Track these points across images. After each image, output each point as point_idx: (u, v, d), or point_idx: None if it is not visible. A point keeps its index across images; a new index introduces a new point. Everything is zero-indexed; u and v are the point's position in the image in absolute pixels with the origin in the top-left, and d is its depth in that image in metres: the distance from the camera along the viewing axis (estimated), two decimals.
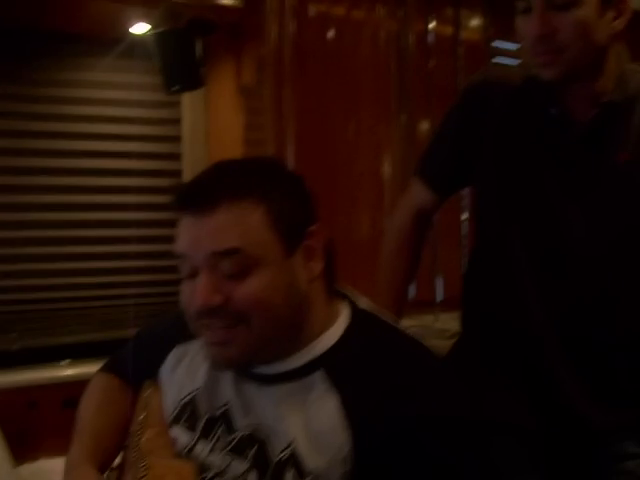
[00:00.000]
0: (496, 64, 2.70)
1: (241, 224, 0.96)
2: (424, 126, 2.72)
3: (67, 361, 2.38)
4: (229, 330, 0.97)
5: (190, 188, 1.00)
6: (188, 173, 2.78)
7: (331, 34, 2.56)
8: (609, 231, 1.32)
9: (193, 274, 0.99)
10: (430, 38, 2.74)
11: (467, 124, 1.45)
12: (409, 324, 2.22)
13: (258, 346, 0.99)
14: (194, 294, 0.97)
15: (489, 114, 1.41)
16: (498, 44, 2.74)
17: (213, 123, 2.81)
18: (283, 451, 0.98)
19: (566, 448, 1.36)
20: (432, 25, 2.73)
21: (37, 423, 2.21)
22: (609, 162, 1.31)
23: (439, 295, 2.61)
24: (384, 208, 2.61)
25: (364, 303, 1.12)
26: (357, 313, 1.08)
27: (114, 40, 2.53)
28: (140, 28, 2.51)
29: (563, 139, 1.33)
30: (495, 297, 1.43)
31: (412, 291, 2.59)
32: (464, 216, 2.66)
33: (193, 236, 0.98)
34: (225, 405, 1.08)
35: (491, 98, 1.41)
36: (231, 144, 2.76)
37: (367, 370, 1.00)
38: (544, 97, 1.34)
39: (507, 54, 2.74)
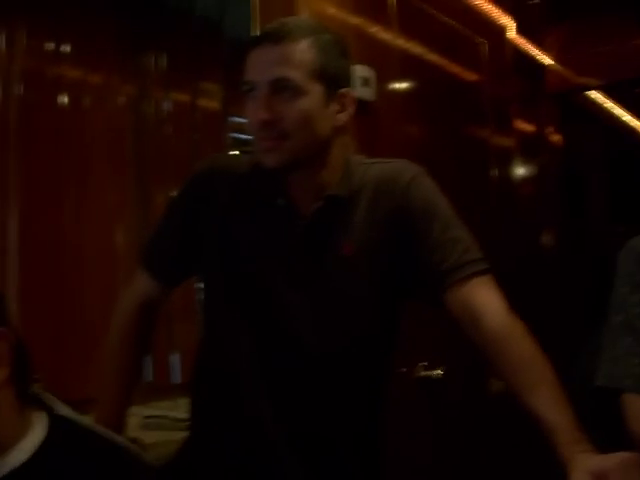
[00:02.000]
0: (234, 138, 2.71)
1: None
2: (160, 196, 2.64)
3: None
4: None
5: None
6: None
7: (65, 98, 2.39)
8: (334, 323, 1.34)
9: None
10: (168, 106, 2.67)
11: (191, 214, 1.40)
12: (147, 413, 2.14)
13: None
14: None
15: (214, 204, 1.37)
16: (237, 119, 2.75)
17: None
18: None
19: None
20: (171, 94, 2.67)
21: None
22: (334, 254, 1.33)
23: (176, 377, 2.54)
24: (118, 282, 2.48)
25: (63, 409, 1.05)
26: (55, 422, 1.02)
27: None
28: None
29: (289, 230, 1.33)
30: (222, 390, 1.40)
31: (149, 375, 2.50)
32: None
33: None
34: None
35: (216, 187, 1.38)
36: None
37: None
38: (271, 187, 1.33)
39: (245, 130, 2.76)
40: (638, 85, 4.45)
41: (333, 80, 1.30)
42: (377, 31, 2.28)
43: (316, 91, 1.27)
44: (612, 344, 1.38)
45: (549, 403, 1.16)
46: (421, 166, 1.41)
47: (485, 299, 1.29)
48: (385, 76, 2.26)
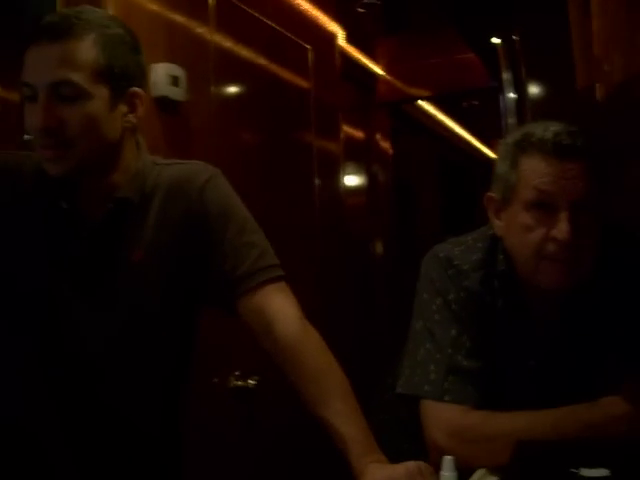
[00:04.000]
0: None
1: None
2: None
3: None
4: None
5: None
6: None
7: None
8: (123, 333, 1.27)
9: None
10: None
11: None
12: None
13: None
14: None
15: None
16: None
17: None
18: None
19: None
20: None
21: None
22: (122, 260, 1.26)
23: None
24: None
25: None
26: None
27: None
28: None
29: (74, 235, 1.25)
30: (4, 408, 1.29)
31: None
32: None
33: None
34: None
35: (1, 187, 1.28)
36: None
37: None
38: (55, 190, 1.24)
39: None
40: (463, 98, 4.64)
41: (121, 79, 1.21)
42: (192, 29, 2.19)
43: (101, 93, 1.18)
44: (413, 351, 1.37)
45: (342, 415, 1.15)
46: (219, 169, 1.36)
47: (278, 306, 1.27)
48: (199, 76, 2.17)
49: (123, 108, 1.23)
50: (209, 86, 2.25)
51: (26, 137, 2.34)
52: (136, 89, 1.25)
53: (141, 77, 1.28)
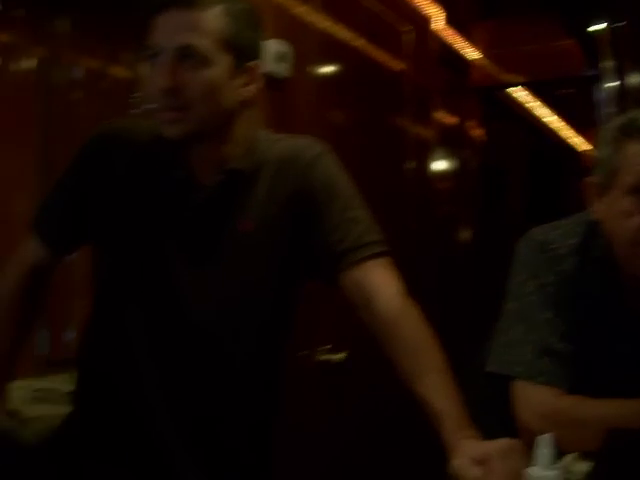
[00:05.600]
0: (148, 109, 2.62)
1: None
2: (64, 164, 2.52)
3: None
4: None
5: None
6: None
7: None
8: (227, 301, 1.31)
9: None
10: (79, 70, 2.56)
11: (86, 179, 1.34)
12: (37, 386, 2.06)
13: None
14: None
15: (111, 170, 1.31)
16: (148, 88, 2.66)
17: None
18: None
19: None
20: (82, 59, 2.56)
21: None
22: (231, 230, 1.30)
23: (72, 352, 2.45)
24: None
25: None
26: None
27: None
28: None
29: (186, 203, 1.30)
30: (110, 366, 1.35)
31: (45, 347, 2.41)
32: None
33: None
34: None
35: (114, 153, 1.32)
36: None
37: None
38: (169, 158, 1.29)
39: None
40: (559, 86, 4.55)
41: (242, 52, 1.26)
42: (298, 8, 2.22)
43: (223, 62, 1.23)
44: (505, 331, 1.38)
45: (437, 389, 1.16)
46: (328, 145, 1.38)
47: (380, 281, 1.28)
48: (303, 54, 2.21)
49: (242, 80, 1.26)
50: (311, 64, 2.29)
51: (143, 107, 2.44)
52: (256, 62, 1.29)
53: (259, 52, 1.32)
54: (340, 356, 2.29)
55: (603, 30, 2.78)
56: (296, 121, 2.17)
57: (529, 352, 1.33)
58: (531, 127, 5.19)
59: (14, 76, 2.45)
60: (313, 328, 2.17)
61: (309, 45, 2.26)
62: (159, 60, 1.22)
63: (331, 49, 2.42)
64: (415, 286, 1.31)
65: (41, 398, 1.98)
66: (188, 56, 1.20)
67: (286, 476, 1.71)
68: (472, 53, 3.80)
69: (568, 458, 1.21)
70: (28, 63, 2.48)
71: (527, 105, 4.78)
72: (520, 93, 4.58)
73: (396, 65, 2.86)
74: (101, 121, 2.15)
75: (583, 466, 1.19)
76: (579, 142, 6.12)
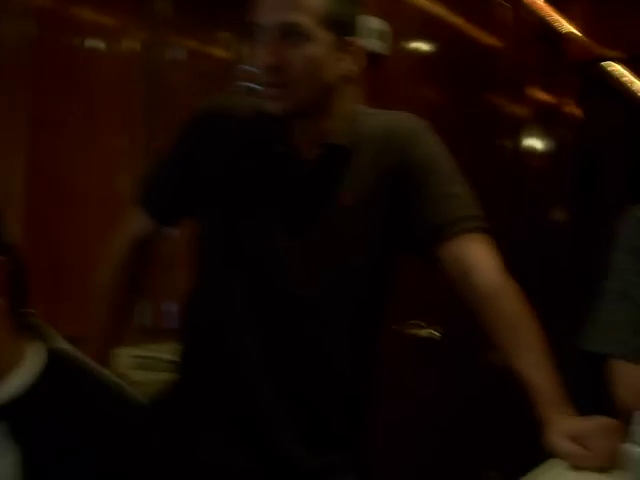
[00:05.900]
0: (248, 87, 2.68)
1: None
2: (167, 143, 2.62)
3: None
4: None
5: None
6: None
7: (76, 39, 2.36)
8: (328, 273, 1.33)
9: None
10: (180, 51, 2.65)
11: (191, 153, 1.39)
12: (136, 353, 2.16)
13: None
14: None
15: (214, 145, 1.36)
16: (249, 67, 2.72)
17: None
18: None
19: None
20: (182, 38, 2.64)
21: None
22: (331, 204, 1.32)
23: (173, 322, 2.55)
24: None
25: (60, 342, 1.06)
26: (53, 354, 1.02)
27: None
28: None
29: (287, 177, 1.33)
30: (212, 335, 1.39)
31: (147, 318, 2.51)
32: None
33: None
34: None
35: (218, 128, 1.36)
36: None
37: (59, 422, 0.96)
38: (271, 132, 1.32)
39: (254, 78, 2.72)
40: None
41: (343, 29, 1.28)
42: None
43: (325, 38, 1.25)
44: (605, 310, 1.37)
45: (535, 365, 1.17)
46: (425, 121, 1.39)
47: (478, 256, 1.29)
48: (402, 32, 2.22)
49: (343, 56, 1.28)
50: (407, 41, 2.30)
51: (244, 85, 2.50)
52: (357, 39, 1.31)
53: (358, 29, 1.33)
54: (433, 332, 2.30)
55: None
56: (392, 97, 2.17)
57: (627, 331, 1.32)
58: (631, 104, 5.01)
59: (119, 58, 2.55)
60: (408, 302, 2.18)
61: (405, 22, 2.27)
62: (262, 38, 1.25)
63: (427, 26, 2.41)
64: (511, 264, 1.31)
65: (144, 365, 2.08)
66: (290, 34, 1.23)
67: (378, 448, 1.73)
68: (569, 28, 3.70)
69: None
70: (132, 45, 2.58)
71: (627, 81, 4.62)
72: (619, 68, 4.43)
73: (492, 41, 2.83)
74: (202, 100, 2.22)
75: None
76: None
